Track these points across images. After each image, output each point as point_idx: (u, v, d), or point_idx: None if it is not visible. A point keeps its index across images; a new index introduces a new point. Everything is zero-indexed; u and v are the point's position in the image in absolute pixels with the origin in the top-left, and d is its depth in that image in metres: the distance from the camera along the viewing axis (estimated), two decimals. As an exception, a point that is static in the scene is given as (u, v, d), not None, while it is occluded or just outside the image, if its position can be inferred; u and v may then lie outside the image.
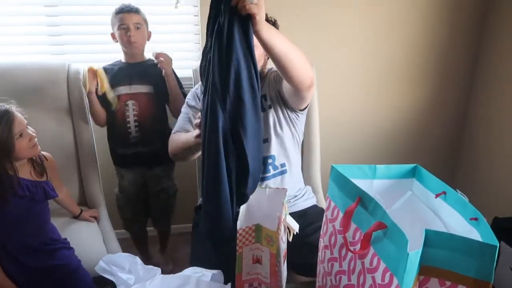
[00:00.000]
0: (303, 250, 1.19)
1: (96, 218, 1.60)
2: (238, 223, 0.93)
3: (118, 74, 1.66)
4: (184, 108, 1.45)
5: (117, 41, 1.65)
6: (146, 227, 1.96)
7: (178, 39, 1.99)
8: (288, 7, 1.92)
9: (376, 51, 2.09)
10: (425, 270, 0.67)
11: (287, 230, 0.99)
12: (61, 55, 1.90)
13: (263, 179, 1.34)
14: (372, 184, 0.91)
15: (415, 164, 0.92)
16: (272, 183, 1.36)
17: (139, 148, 1.70)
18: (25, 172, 1.25)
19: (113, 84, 1.64)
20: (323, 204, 1.47)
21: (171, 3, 1.84)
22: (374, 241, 0.72)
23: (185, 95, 1.59)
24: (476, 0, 2.05)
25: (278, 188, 1.02)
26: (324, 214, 0.91)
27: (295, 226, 1.00)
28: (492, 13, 2.05)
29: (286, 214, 0.96)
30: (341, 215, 0.84)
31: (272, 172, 1.36)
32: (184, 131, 1.38)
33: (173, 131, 1.42)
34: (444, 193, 0.82)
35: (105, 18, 1.88)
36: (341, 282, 0.83)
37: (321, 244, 0.93)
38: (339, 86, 2.10)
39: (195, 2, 1.91)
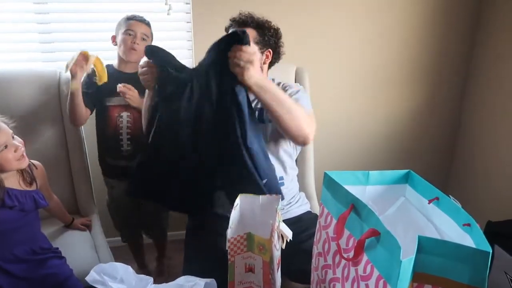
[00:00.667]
0: (297, 257, 1.17)
1: (88, 227, 1.58)
2: (229, 231, 0.92)
3: (114, 83, 1.56)
4: None
5: (116, 44, 1.60)
6: (140, 236, 1.94)
7: (171, 45, 1.98)
8: (284, 9, 1.92)
9: (369, 55, 2.10)
10: (419, 277, 0.66)
11: (280, 238, 0.98)
12: (53, 63, 1.88)
13: None
14: (365, 190, 0.91)
15: (408, 170, 0.92)
16: None
17: (130, 161, 1.61)
18: (13, 181, 1.22)
19: (107, 93, 1.59)
20: (317, 210, 1.46)
21: (163, 10, 1.84)
22: (368, 248, 0.71)
23: None
24: (469, 2, 2.07)
25: (271, 195, 1.01)
26: (318, 221, 0.90)
27: (289, 233, 0.99)
28: (486, 14, 2.06)
29: (279, 221, 0.96)
30: (334, 221, 0.83)
31: None
32: None
33: None
34: (437, 198, 0.82)
35: (96, 26, 1.87)
36: (335, 289, 0.82)
37: (315, 251, 0.92)
38: (333, 90, 2.11)
39: (187, 8, 1.91)
